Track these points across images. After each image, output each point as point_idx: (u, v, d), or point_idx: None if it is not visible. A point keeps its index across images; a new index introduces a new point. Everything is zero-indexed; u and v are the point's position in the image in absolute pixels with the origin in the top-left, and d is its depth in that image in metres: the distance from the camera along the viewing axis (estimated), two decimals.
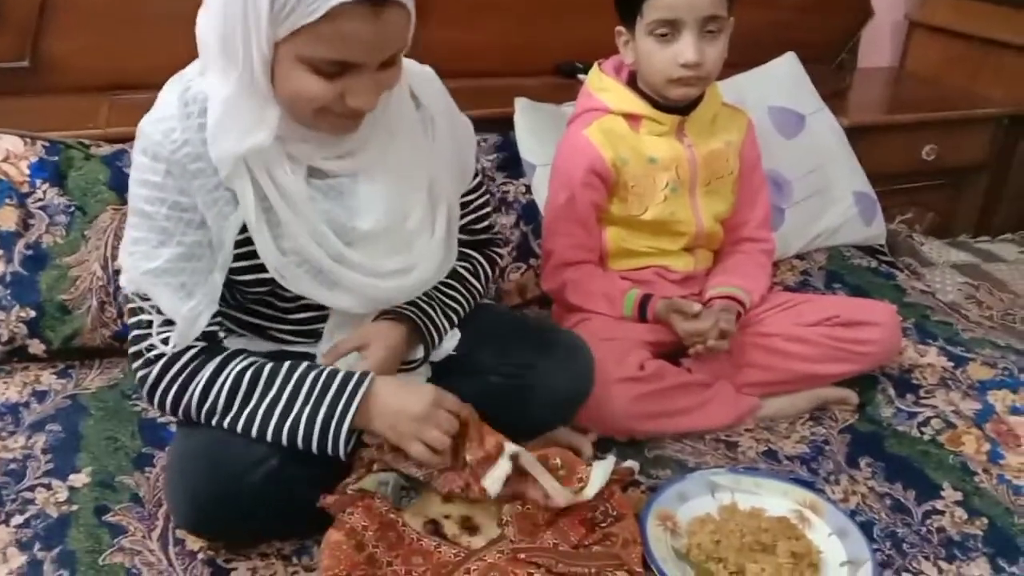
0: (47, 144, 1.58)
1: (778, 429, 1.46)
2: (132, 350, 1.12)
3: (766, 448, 1.41)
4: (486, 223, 1.37)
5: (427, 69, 1.24)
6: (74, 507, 1.19)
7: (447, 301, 1.26)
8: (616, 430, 1.38)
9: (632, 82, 1.52)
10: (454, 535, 1.12)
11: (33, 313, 1.48)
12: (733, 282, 1.54)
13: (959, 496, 1.30)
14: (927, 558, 1.19)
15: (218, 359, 1.11)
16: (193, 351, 1.11)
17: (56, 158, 1.57)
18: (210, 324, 1.12)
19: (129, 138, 1.59)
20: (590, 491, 1.15)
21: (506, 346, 1.27)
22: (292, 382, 1.10)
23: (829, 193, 1.99)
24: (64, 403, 1.41)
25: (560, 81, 2.11)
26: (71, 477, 1.25)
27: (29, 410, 1.40)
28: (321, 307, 1.18)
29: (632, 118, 1.50)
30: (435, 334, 1.23)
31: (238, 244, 1.11)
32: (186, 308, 1.08)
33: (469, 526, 1.14)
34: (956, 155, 2.33)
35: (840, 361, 1.49)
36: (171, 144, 1.05)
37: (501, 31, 2.05)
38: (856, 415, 1.50)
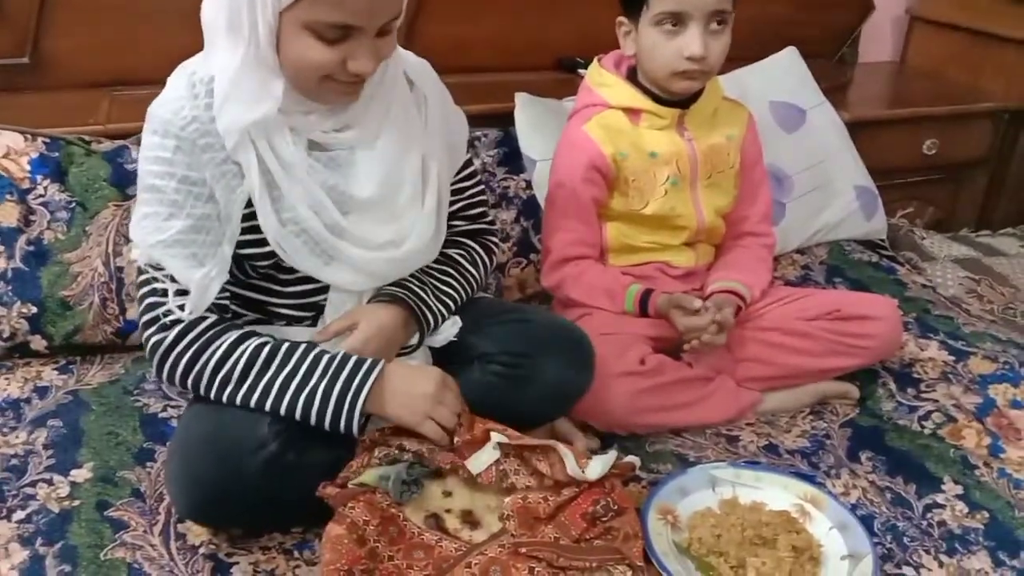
0: (48, 140, 1.58)
1: (779, 423, 1.47)
2: (146, 318, 1.14)
3: (767, 442, 1.41)
4: (481, 210, 1.39)
5: (422, 60, 1.29)
6: (76, 502, 1.19)
7: (440, 285, 1.28)
8: (617, 425, 1.38)
9: (632, 76, 1.51)
10: (455, 529, 1.13)
11: (34, 309, 1.49)
12: (733, 276, 1.54)
13: (960, 490, 1.30)
14: (928, 552, 1.19)
15: (237, 332, 1.14)
16: (209, 320, 1.14)
17: (57, 154, 1.57)
18: (221, 297, 1.15)
19: (130, 134, 1.61)
20: (591, 473, 1.15)
21: (507, 335, 1.27)
22: (309, 359, 1.13)
23: (830, 187, 1.99)
24: (65, 399, 1.42)
25: (561, 76, 2.11)
26: (72, 472, 1.25)
27: (30, 406, 1.40)
28: (320, 283, 1.21)
29: (632, 112, 1.50)
30: (429, 316, 1.24)
31: (244, 218, 1.14)
32: (198, 275, 1.11)
33: (470, 520, 1.14)
34: (957, 150, 2.33)
35: (841, 355, 1.49)
36: (180, 120, 1.09)
37: (501, 26, 2.05)
38: (857, 409, 1.50)
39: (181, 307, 1.12)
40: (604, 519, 1.13)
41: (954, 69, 2.46)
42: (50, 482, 1.23)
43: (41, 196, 1.54)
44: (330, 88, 1.10)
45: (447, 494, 1.16)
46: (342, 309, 1.23)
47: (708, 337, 1.42)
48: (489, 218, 1.41)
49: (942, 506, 1.27)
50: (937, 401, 1.48)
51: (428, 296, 1.25)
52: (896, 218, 2.20)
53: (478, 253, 1.36)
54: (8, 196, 1.52)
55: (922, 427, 1.44)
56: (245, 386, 1.12)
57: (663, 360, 1.43)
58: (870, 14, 2.45)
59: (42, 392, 1.43)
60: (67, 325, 1.50)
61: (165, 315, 1.12)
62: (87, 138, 1.62)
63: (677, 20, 1.39)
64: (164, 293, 1.12)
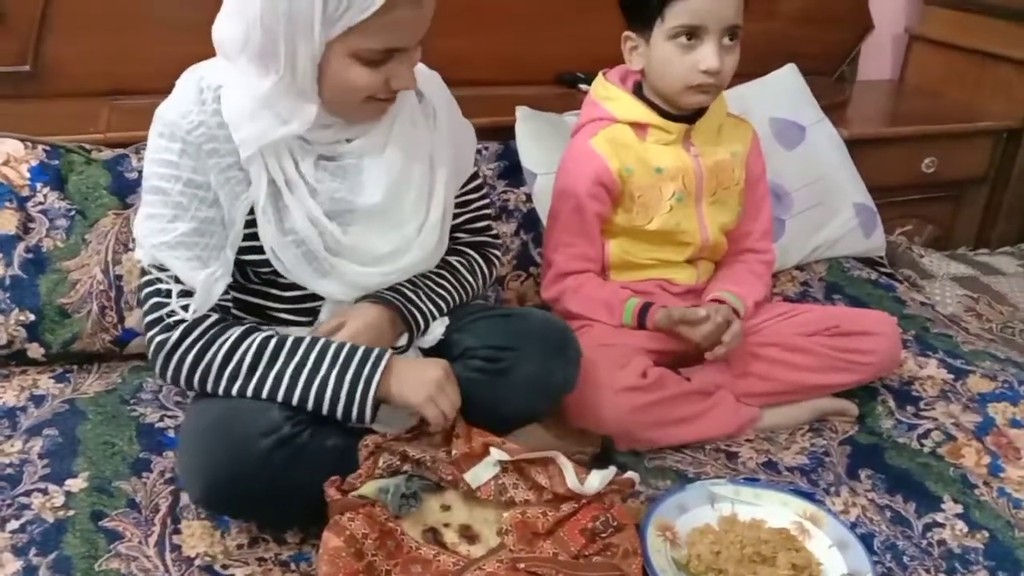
0: (48, 148, 1.58)
1: (778, 440, 1.46)
2: (149, 318, 1.14)
3: (766, 459, 1.41)
4: (485, 223, 1.39)
5: (433, 71, 1.30)
6: (70, 512, 1.18)
7: (433, 287, 1.28)
8: (617, 439, 1.37)
9: (637, 91, 1.52)
10: (453, 544, 1.12)
11: (32, 317, 1.48)
12: (727, 288, 1.54)
13: (960, 509, 1.29)
14: (927, 571, 1.18)
15: (241, 327, 1.15)
16: (213, 318, 1.14)
17: (57, 162, 1.57)
18: (224, 298, 1.15)
19: (131, 142, 1.61)
20: (590, 487, 1.14)
21: (489, 329, 1.27)
22: (316, 350, 1.14)
23: (829, 204, 1.99)
24: (62, 407, 1.41)
25: (561, 90, 2.12)
26: (68, 482, 1.24)
27: (26, 414, 1.39)
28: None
29: (639, 127, 1.50)
30: (418, 317, 1.24)
31: (247, 224, 1.15)
32: (203, 275, 1.12)
33: (468, 535, 1.13)
34: (956, 168, 2.33)
35: (840, 371, 1.49)
36: (187, 124, 1.10)
37: (502, 41, 2.06)
38: (856, 427, 1.50)
39: (185, 308, 1.12)
40: (603, 535, 1.12)
41: (953, 88, 2.47)
42: (45, 491, 1.22)
43: (40, 204, 1.54)
44: (369, 107, 1.13)
45: (446, 508, 1.15)
46: (338, 309, 1.23)
47: (729, 337, 1.42)
48: (493, 231, 1.42)
49: (942, 525, 1.27)
50: (936, 419, 1.48)
51: (419, 298, 1.25)
52: (895, 236, 2.20)
53: (478, 263, 1.36)
54: (7, 203, 1.52)
55: (921, 445, 1.44)
56: (255, 379, 1.12)
57: (664, 373, 1.42)
58: (870, 32, 2.47)
59: (38, 400, 1.43)
60: (65, 333, 1.50)
61: (169, 315, 1.13)
62: (87, 146, 1.62)
63: (693, 34, 1.39)
64: (168, 294, 1.13)
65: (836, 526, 1.20)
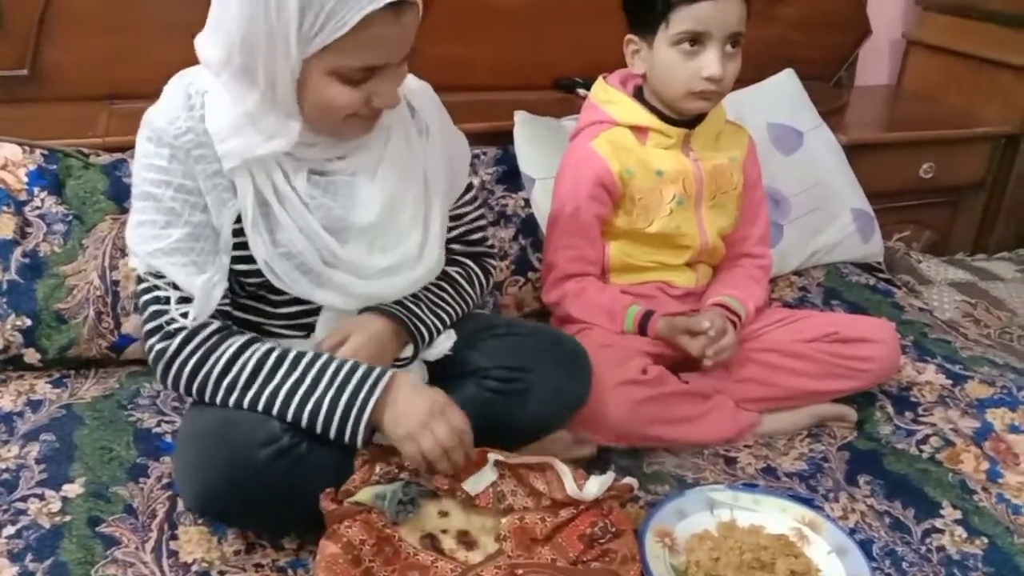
0: (46, 152, 1.58)
1: (777, 445, 1.46)
2: (149, 326, 1.13)
3: (765, 464, 1.40)
4: (481, 235, 1.39)
5: (423, 83, 1.29)
6: (67, 518, 1.18)
7: (435, 299, 1.27)
8: (615, 435, 1.37)
9: (638, 95, 1.52)
10: (451, 550, 1.11)
11: (29, 322, 1.47)
12: (727, 292, 1.54)
13: (959, 515, 1.29)
14: None
15: (243, 338, 1.14)
16: (214, 326, 1.13)
17: (55, 166, 1.57)
18: (223, 304, 1.14)
19: (129, 147, 1.60)
20: (588, 493, 1.14)
21: (502, 349, 1.27)
22: (316, 367, 1.12)
23: (827, 210, 1.99)
24: (58, 413, 1.40)
25: (559, 95, 2.12)
26: (64, 487, 1.23)
27: (23, 419, 1.38)
28: (312, 304, 1.20)
29: (639, 130, 1.50)
30: (422, 329, 1.24)
31: (235, 233, 1.14)
32: (201, 280, 1.11)
33: (466, 541, 1.13)
34: (954, 173, 2.34)
35: (839, 377, 1.49)
36: (175, 130, 1.09)
37: (500, 46, 2.06)
38: (855, 432, 1.49)
39: (184, 315, 1.11)
40: (602, 541, 1.12)
41: (950, 93, 2.47)
42: (41, 497, 1.22)
43: (38, 208, 1.53)
44: (352, 124, 1.12)
45: (443, 514, 1.15)
46: (334, 323, 1.22)
47: (727, 340, 1.43)
48: (489, 242, 1.41)
49: (941, 531, 1.26)
50: (935, 425, 1.48)
51: (423, 311, 1.25)
52: (892, 241, 2.20)
53: (475, 273, 1.36)
54: (5, 208, 1.51)
55: (920, 451, 1.43)
56: (251, 392, 1.11)
57: (663, 372, 1.42)
58: (867, 38, 2.47)
59: (35, 406, 1.42)
60: (61, 338, 1.49)
61: (168, 323, 1.12)
62: (85, 151, 1.62)
63: (696, 40, 1.39)
64: (166, 301, 1.12)
65: (835, 532, 1.20)
